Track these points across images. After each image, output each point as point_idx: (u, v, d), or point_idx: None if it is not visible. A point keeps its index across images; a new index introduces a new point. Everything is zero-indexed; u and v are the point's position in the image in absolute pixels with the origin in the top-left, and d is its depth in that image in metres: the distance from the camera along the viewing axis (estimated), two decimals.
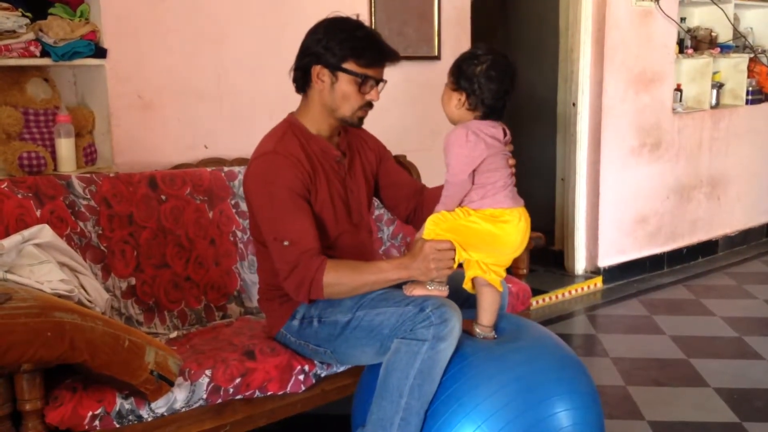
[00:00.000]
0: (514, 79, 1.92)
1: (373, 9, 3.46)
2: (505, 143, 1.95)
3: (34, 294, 1.77)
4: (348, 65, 2.01)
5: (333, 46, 1.99)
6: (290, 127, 2.10)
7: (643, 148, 4.54)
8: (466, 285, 2.00)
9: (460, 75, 1.91)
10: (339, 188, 2.12)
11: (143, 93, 2.87)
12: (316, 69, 2.03)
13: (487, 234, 1.91)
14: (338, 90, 2.03)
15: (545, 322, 3.73)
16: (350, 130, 2.23)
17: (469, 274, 1.98)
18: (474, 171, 1.90)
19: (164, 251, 2.54)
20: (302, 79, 2.08)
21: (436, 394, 1.86)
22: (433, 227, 1.94)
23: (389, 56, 2.05)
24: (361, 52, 2.00)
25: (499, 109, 1.92)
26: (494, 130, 1.92)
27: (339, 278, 1.96)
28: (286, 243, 1.95)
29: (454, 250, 1.93)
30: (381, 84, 2.08)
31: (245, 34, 3.10)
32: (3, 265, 1.90)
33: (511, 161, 1.98)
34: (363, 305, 1.99)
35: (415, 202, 2.31)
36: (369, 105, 2.09)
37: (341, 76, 2.02)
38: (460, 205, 1.95)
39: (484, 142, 1.88)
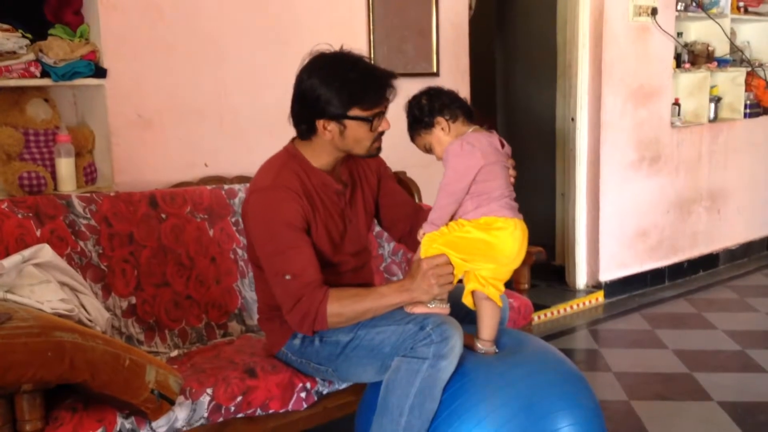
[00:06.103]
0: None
1: (371, 27, 3.48)
2: (505, 155, 1.97)
3: (35, 314, 1.77)
4: (353, 112, 1.95)
5: (332, 99, 1.93)
6: (290, 159, 2.06)
7: (643, 163, 4.55)
8: (466, 299, 2.00)
9: (424, 116, 2.02)
10: (337, 221, 2.10)
11: (143, 112, 2.87)
12: (321, 122, 1.97)
13: (481, 242, 1.91)
14: (349, 136, 1.99)
15: (547, 337, 3.71)
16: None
17: (469, 287, 1.98)
18: (471, 181, 1.91)
19: (165, 270, 2.54)
20: (308, 131, 2.03)
21: (438, 412, 1.85)
22: (430, 243, 1.95)
23: (388, 86, 1.99)
24: (363, 96, 1.95)
25: (466, 104, 2.04)
26: (490, 138, 1.96)
27: (342, 308, 1.95)
28: (288, 277, 1.94)
29: (452, 264, 1.93)
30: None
31: (245, 53, 3.11)
32: (3, 285, 1.90)
33: (512, 172, 1.99)
34: (364, 324, 1.99)
35: (411, 223, 2.28)
36: (381, 134, 2.06)
37: (349, 123, 1.97)
38: (454, 217, 1.96)
39: (480, 151, 1.91)
